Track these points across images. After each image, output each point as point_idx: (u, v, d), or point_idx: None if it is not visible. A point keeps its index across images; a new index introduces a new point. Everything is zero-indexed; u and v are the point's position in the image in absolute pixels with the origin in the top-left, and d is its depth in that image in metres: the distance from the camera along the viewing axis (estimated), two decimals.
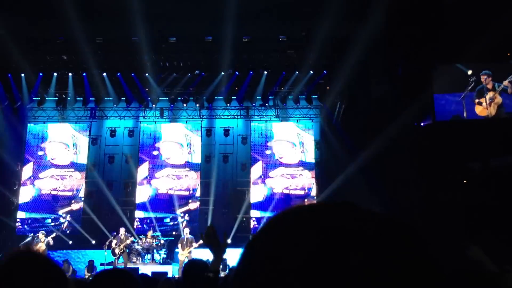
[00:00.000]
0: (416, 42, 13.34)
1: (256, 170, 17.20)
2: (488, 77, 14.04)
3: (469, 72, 14.25)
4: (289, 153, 17.30)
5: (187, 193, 17.07)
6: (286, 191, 16.91)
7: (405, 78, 14.10)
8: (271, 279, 0.58)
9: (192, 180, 17.22)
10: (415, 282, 0.57)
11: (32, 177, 17.22)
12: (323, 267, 0.56)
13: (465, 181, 13.28)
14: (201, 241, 14.12)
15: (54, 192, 17.08)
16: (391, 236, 0.60)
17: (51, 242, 14.12)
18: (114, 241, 14.13)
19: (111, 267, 13.80)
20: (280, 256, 0.59)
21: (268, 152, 17.37)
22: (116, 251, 13.99)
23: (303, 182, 17.04)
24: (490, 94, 14.06)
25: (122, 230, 14.44)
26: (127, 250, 14.40)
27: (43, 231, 14.68)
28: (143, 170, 17.33)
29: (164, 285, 5.05)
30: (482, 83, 14.08)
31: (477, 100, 14.17)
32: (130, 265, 13.91)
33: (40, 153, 17.49)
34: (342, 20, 12.87)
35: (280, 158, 17.25)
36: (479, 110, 14.08)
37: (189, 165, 17.38)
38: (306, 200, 16.80)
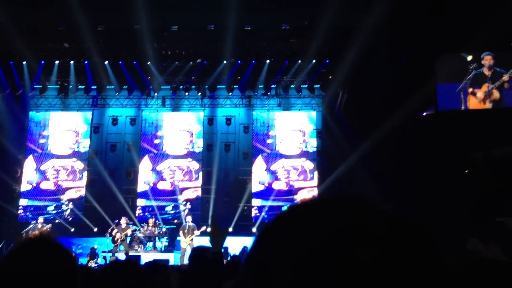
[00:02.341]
0: (420, 31, 13.26)
1: (259, 163, 17.17)
2: (491, 59, 13.58)
3: (469, 58, 13.87)
4: (289, 144, 17.27)
5: (189, 183, 17.10)
6: (292, 181, 16.94)
7: (408, 67, 14.04)
8: (277, 273, 0.58)
9: (194, 169, 17.23)
10: (423, 281, 0.57)
11: (34, 167, 17.25)
12: (330, 262, 0.56)
13: (466, 171, 13.29)
14: (202, 229, 14.21)
15: (57, 182, 17.13)
16: (401, 235, 0.60)
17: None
18: (115, 230, 14.22)
19: (110, 254, 13.92)
20: (288, 249, 0.59)
21: (269, 141, 17.37)
22: (116, 238, 14.07)
23: (305, 172, 17.04)
24: (487, 87, 13.69)
25: (123, 219, 14.51)
26: (128, 238, 14.50)
27: (42, 217, 14.80)
28: (145, 162, 17.33)
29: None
30: (483, 66, 13.71)
31: (471, 89, 13.70)
32: (132, 253, 13.98)
33: (42, 141, 17.51)
34: (345, 9, 12.78)
35: (281, 149, 17.22)
36: (473, 104, 13.76)
37: (190, 155, 17.39)
38: (306, 192, 16.84)
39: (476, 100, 13.73)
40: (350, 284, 0.54)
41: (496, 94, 13.71)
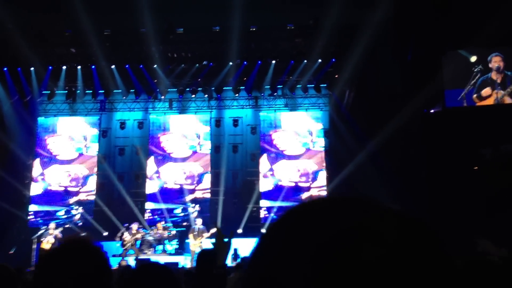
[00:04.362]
0: (426, 27, 13.16)
1: (263, 162, 17.19)
2: (501, 61, 12.51)
3: (473, 59, 12.64)
4: (291, 145, 17.20)
5: (193, 186, 17.12)
6: (293, 182, 16.90)
7: (414, 64, 13.96)
8: (281, 272, 0.58)
9: (198, 169, 17.23)
10: (430, 281, 0.56)
11: (41, 172, 17.38)
12: (334, 263, 0.56)
13: (475, 168, 13.18)
14: (212, 231, 14.20)
15: (62, 188, 17.23)
16: (407, 234, 0.59)
17: (59, 236, 14.23)
18: (125, 234, 14.25)
19: (120, 259, 13.94)
20: (292, 250, 0.59)
21: (276, 142, 17.33)
22: (125, 242, 14.08)
23: (308, 173, 16.96)
24: (496, 94, 12.58)
25: (135, 225, 14.51)
26: (138, 242, 14.55)
27: (54, 223, 14.87)
28: (151, 163, 17.40)
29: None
30: (490, 70, 12.89)
31: (475, 95, 12.76)
32: (142, 256, 14.00)
33: (50, 146, 17.63)
34: (350, 7, 12.75)
35: (283, 150, 17.17)
36: None
37: (195, 156, 17.37)
38: (314, 192, 16.80)
39: None
40: (355, 283, 0.55)
41: (508, 102, 12.88)
